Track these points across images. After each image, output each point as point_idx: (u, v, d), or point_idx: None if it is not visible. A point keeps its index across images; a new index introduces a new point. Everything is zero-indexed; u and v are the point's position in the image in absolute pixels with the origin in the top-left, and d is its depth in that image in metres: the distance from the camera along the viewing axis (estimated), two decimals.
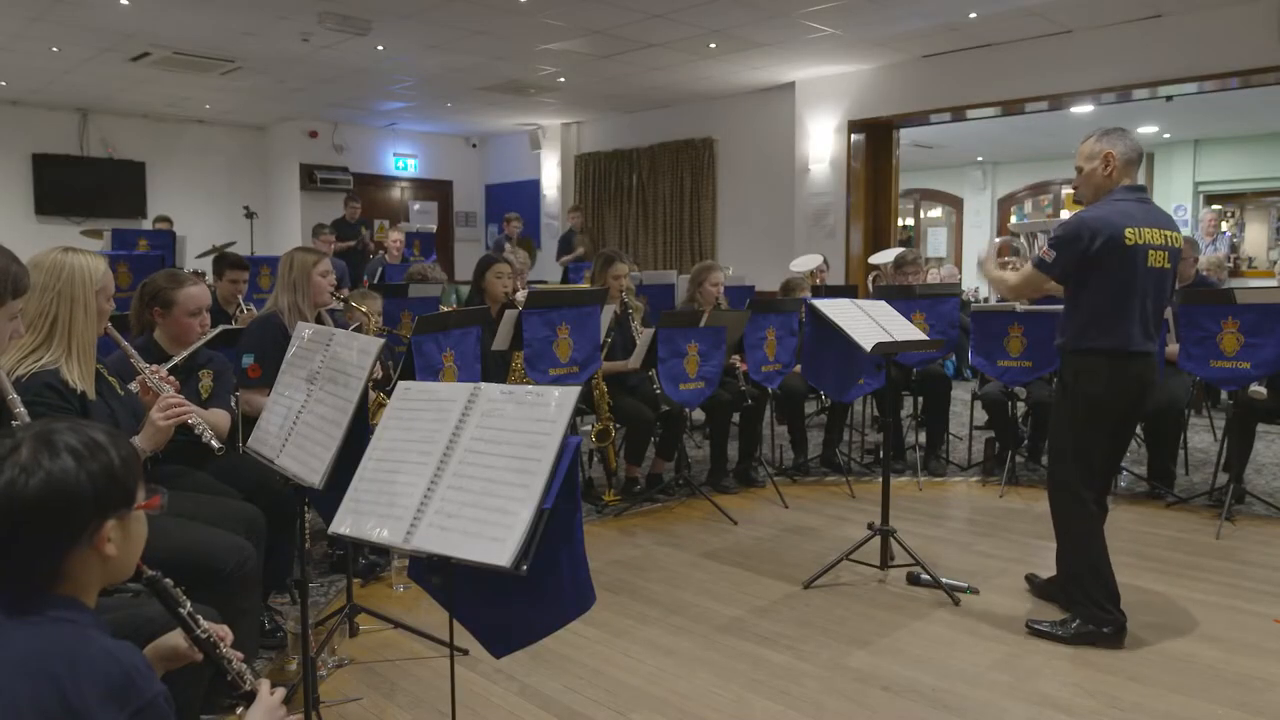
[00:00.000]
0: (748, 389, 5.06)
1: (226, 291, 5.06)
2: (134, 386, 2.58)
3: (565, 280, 8.54)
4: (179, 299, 3.05)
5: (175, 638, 1.56)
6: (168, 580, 1.47)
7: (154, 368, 2.57)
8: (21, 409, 2.00)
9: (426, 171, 13.32)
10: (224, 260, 5.25)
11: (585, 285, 5.54)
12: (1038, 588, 3.56)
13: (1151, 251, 2.98)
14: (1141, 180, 3.06)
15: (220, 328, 3.28)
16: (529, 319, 4.35)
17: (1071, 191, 13.86)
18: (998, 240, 3.79)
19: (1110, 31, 7.43)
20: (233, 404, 3.18)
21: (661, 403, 4.88)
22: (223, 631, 1.54)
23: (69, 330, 2.37)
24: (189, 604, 1.49)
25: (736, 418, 5.33)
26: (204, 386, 3.10)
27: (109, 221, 9.52)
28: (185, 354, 3.03)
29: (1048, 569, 3.93)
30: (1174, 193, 13.68)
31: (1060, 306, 3.21)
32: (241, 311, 5.02)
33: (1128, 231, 2.94)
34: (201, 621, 1.49)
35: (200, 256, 8.22)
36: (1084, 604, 3.12)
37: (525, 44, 8.05)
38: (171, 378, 2.61)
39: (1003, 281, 3.38)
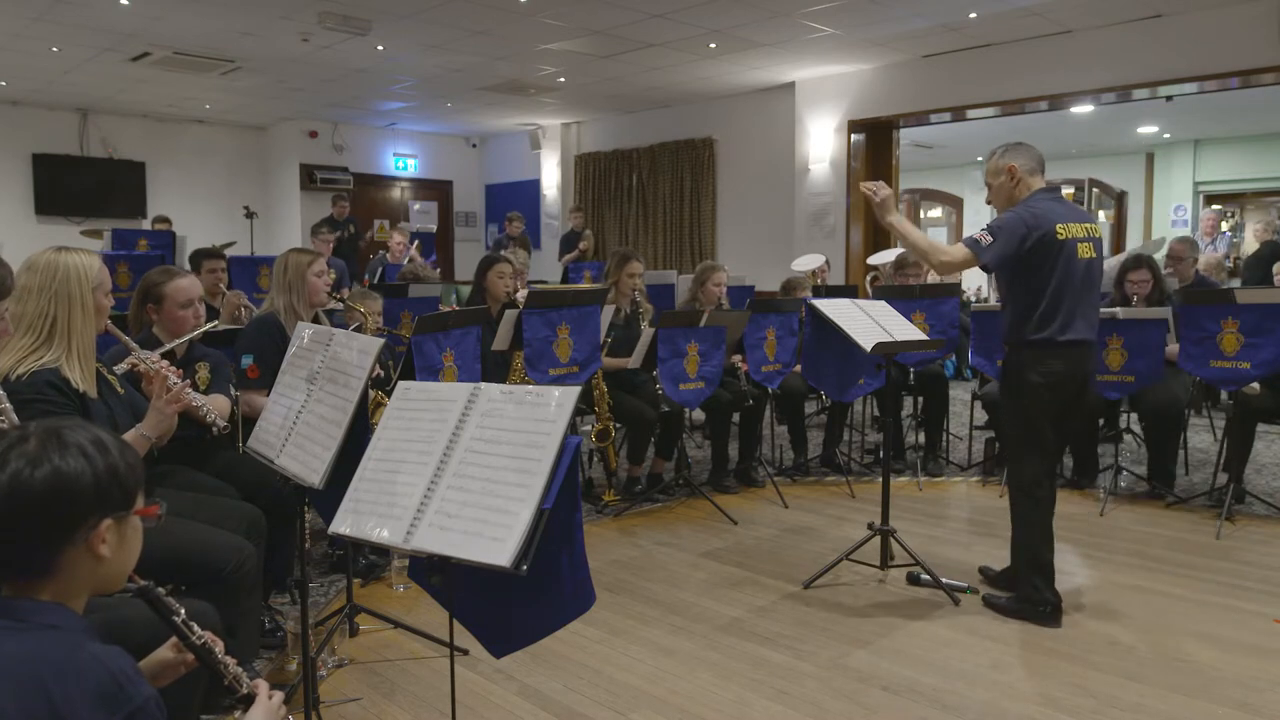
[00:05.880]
0: (748, 389, 5.06)
1: (208, 283, 5.11)
2: (121, 368, 2.58)
3: (565, 280, 8.54)
4: (168, 291, 3.07)
5: (163, 652, 1.55)
6: (160, 589, 1.46)
7: (152, 355, 2.57)
8: (7, 404, 1.98)
9: (426, 171, 13.31)
10: (199, 254, 5.36)
11: (585, 285, 5.54)
12: (992, 579, 3.71)
13: (1080, 244, 3.22)
14: (1052, 181, 3.37)
15: (214, 323, 3.28)
16: (529, 319, 4.35)
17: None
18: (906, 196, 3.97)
19: (1110, 31, 7.43)
20: (231, 393, 3.19)
21: (662, 403, 4.88)
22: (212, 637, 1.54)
23: (68, 330, 2.37)
24: (183, 611, 1.48)
25: (736, 418, 5.33)
26: (201, 379, 3.11)
27: (109, 221, 9.52)
28: (178, 342, 3.03)
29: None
30: (1174, 193, 13.66)
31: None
32: (223, 296, 5.05)
33: (1058, 227, 3.18)
34: (196, 628, 1.49)
35: None
36: (1023, 584, 3.34)
37: (525, 44, 8.05)
38: (171, 366, 2.61)
39: (914, 241, 3.33)
